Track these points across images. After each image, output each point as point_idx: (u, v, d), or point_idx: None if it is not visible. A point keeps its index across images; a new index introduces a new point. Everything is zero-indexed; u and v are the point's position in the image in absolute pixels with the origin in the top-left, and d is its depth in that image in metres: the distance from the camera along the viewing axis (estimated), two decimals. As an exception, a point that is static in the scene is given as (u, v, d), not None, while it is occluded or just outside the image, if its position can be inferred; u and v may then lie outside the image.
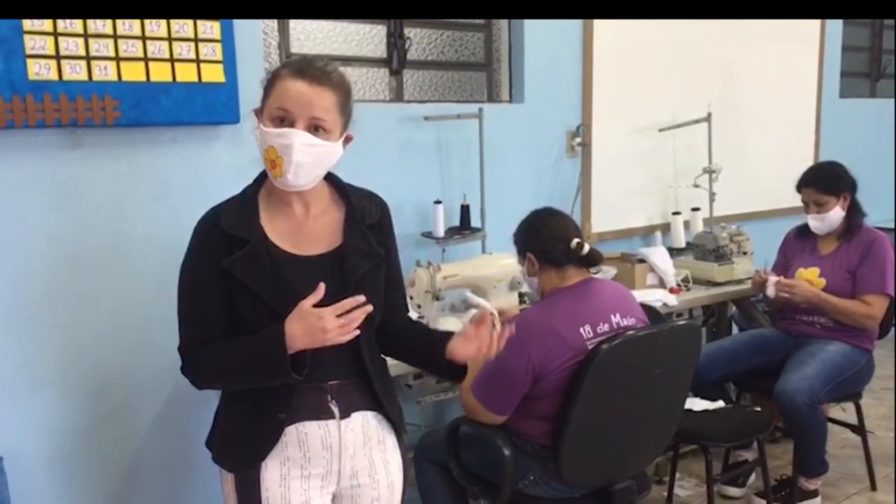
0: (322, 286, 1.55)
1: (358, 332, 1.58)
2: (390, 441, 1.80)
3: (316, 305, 1.56)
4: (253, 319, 1.61)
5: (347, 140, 1.67)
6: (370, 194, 1.79)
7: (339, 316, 1.55)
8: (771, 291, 3.20)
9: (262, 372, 1.62)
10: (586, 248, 2.27)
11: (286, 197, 1.67)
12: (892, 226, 4.70)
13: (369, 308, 1.57)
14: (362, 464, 1.74)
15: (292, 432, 1.67)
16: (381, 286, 1.73)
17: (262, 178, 1.71)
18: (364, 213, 1.72)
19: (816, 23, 4.77)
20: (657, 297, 3.26)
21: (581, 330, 2.17)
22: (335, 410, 1.69)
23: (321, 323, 1.54)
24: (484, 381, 2.22)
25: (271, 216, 1.68)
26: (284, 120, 1.58)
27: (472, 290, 2.95)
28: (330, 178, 1.74)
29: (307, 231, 1.69)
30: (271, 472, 1.67)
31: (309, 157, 1.58)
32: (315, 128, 1.59)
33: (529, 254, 2.34)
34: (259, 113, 1.64)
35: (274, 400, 1.65)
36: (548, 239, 2.30)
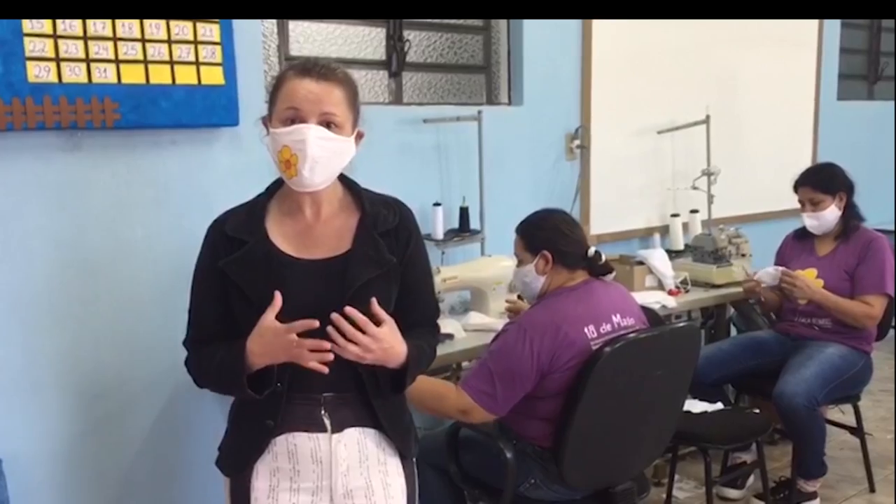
0: (279, 296, 1.51)
1: (330, 356, 1.52)
2: (393, 464, 1.72)
3: (314, 310, 1.52)
4: (244, 321, 1.58)
5: (359, 136, 1.66)
6: (389, 201, 1.73)
7: (303, 337, 1.50)
8: (767, 278, 3.16)
9: (225, 384, 1.63)
10: (603, 258, 2.34)
11: (298, 200, 1.65)
12: (893, 227, 4.71)
13: (314, 324, 1.49)
14: (358, 484, 1.67)
15: (282, 442, 1.64)
16: (389, 296, 1.65)
17: (275, 186, 1.70)
18: (377, 220, 1.66)
19: (814, 26, 4.77)
20: (656, 300, 3.26)
21: (585, 330, 2.18)
22: (327, 423, 1.64)
23: (278, 340, 1.51)
24: (483, 380, 2.18)
25: (280, 220, 1.66)
26: (295, 119, 1.57)
27: (472, 292, 2.94)
28: (346, 182, 1.71)
29: (315, 235, 1.65)
30: (261, 481, 1.65)
31: (324, 152, 1.56)
32: (327, 123, 1.57)
33: (547, 251, 2.31)
34: (267, 120, 1.64)
35: (264, 407, 1.62)
36: (572, 242, 2.32)
